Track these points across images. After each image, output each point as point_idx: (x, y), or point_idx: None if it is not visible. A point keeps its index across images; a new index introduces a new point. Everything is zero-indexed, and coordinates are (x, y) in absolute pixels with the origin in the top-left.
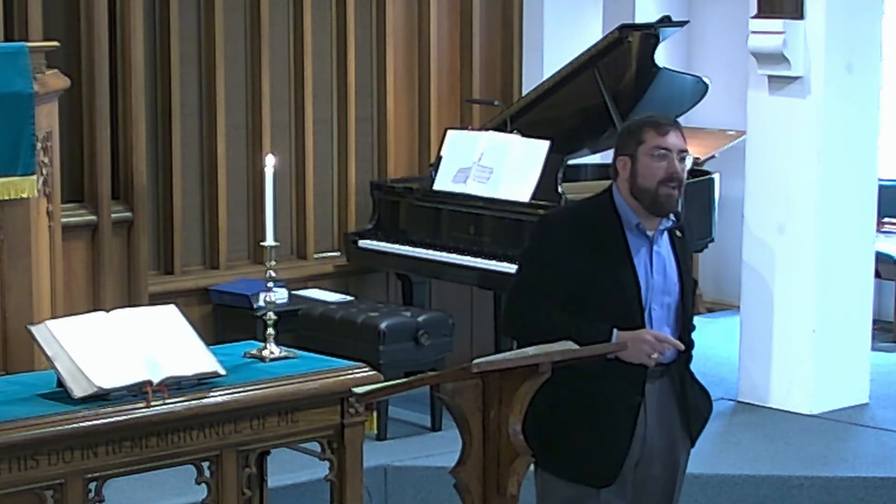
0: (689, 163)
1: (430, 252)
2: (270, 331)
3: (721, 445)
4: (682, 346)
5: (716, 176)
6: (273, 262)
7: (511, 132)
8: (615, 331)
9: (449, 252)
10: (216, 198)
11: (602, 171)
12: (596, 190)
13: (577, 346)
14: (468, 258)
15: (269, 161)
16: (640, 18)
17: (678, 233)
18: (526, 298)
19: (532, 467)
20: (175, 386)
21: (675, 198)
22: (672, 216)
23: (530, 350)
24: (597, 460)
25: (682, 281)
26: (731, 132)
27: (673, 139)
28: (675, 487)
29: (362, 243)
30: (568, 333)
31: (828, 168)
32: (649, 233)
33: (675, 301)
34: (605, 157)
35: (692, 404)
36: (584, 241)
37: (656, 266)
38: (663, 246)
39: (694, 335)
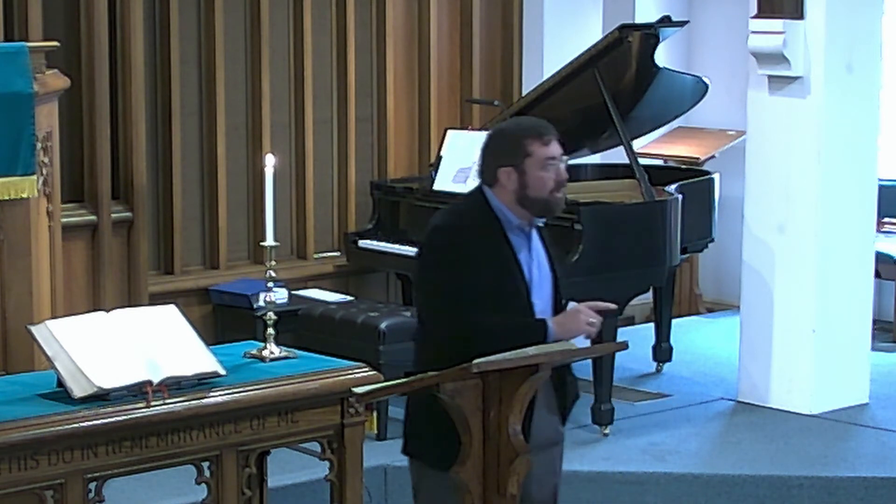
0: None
1: None
2: (270, 331)
3: (721, 445)
4: (614, 306)
5: (716, 176)
6: (273, 262)
7: None
8: (548, 321)
9: None
10: (216, 198)
11: (602, 171)
12: (596, 190)
13: (576, 346)
14: None
15: (269, 161)
16: (640, 18)
17: (539, 223)
18: (459, 310)
19: (408, 461)
20: (175, 386)
21: (563, 199)
22: None
23: (530, 350)
24: None
25: (553, 269)
26: (731, 132)
27: (555, 146)
28: (559, 470)
29: (362, 243)
30: (507, 333)
31: (828, 168)
32: (527, 230)
33: (551, 289)
34: (605, 156)
35: (571, 389)
36: (473, 250)
37: (535, 261)
38: (535, 239)
39: (694, 335)
